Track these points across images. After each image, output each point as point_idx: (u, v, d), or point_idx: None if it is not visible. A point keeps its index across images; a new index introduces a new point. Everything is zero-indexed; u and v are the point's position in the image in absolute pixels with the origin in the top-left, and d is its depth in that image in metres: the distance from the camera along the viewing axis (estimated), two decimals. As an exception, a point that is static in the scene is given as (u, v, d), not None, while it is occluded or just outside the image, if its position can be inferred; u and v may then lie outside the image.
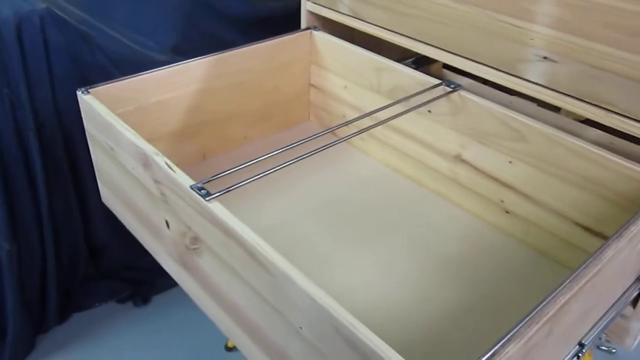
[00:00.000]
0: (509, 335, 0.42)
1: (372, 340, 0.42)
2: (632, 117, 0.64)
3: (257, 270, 0.52)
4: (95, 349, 1.22)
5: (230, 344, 1.23)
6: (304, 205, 0.83)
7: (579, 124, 0.78)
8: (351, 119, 0.75)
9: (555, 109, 0.83)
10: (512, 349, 0.42)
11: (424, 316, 0.66)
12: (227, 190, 0.57)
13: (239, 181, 0.60)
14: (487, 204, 0.79)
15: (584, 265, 0.49)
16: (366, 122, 0.75)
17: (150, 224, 0.71)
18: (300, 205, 0.83)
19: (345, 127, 0.76)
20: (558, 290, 0.46)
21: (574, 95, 0.67)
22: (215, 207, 0.55)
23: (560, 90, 0.68)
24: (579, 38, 0.65)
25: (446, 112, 0.79)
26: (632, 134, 0.65)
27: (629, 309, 0.67)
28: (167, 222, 0.66)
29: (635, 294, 0.65)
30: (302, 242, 0.76)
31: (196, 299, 0.69)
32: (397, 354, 0.41)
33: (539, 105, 0.83)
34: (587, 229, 0.69)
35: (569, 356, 0.56)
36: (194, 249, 0.62)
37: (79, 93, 0.74)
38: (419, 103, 0.77)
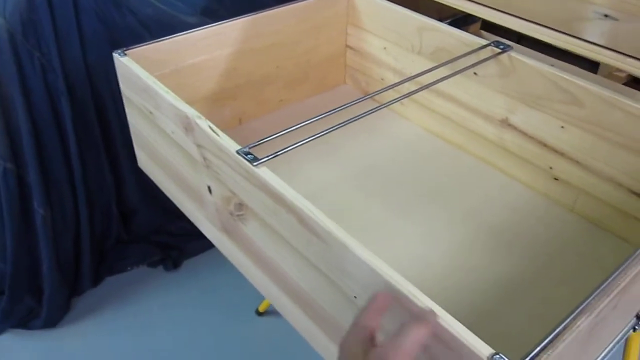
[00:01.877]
0: (580, 308, 0.40)
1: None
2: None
3: (308, 238, 0.51)
4: (127, 312, 1.24)
5: (261, 309, 1.23)
6: (343, 171, 0.81)
7: (623, 86, 0.74)
8: (391, 82, 0.72)
9: (593, 70, 0.79)
10: (584, 322, 0.40)
11: (471, 286, 0.65)
12: (275, 155, 0.55)
13: (282, 146, 0.58)
14: (534, 171, 0.76)
15: (654, 236, 0.47)
16: (408, 85, 0.72)
17: (191, 190, 0.70)
18: (340, 171, 0.81)
19: (386, 91, 0.73)
20: (628, 262, 0.44)
21: (636, 56, 0.64)
22: (264, 172, 0.53)
23: (621, 51, 0.65)
24: (645, -6, 0.61)
25: (494, 75, 0.76)
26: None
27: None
28: (209, 187, 0.65)
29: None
30: (343, 209, 0.75)
31: (239, 266, 0.68)
32: (462, 325, 0.40)
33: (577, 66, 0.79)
34: (642, 197, 0.67)
35: (626, 328, 0.55)
36: (239, 215, 0.61)
37: (115, 55, 0.72)
38: (466, 65, 0.74)
